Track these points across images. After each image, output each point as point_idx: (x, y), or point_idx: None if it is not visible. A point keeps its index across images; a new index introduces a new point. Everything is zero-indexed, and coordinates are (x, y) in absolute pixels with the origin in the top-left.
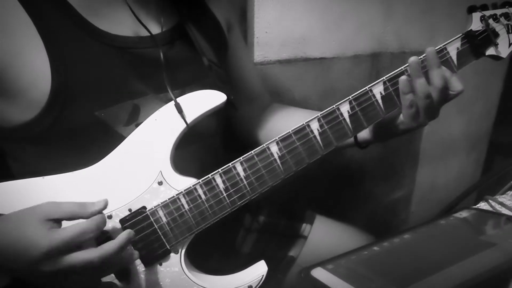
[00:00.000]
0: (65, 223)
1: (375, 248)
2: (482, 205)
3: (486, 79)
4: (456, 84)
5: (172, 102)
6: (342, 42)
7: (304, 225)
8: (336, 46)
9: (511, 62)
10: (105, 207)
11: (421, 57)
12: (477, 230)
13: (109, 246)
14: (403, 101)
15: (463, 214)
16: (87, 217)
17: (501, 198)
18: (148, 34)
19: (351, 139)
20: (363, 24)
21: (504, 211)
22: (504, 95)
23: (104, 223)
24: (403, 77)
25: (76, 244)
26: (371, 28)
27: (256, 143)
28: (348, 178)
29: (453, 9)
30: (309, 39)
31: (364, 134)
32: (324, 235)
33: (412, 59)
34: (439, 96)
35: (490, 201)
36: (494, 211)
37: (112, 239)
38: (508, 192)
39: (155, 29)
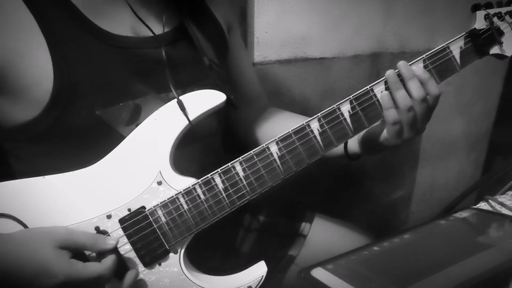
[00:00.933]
0: None
1: (375, 248)
2: (482, 205)
3: (486, 79)
4: (431, 88)
5: (174, 101)
6: (342, 42)
7: (303, 224)
8: (336, 46)
9: (511, 62)
10: (116, 246)
11: (397, 70)
12: (477, 230)
13: None
14: (386, 116)
15: (463, 214)
16: (96, 252)
17: (501, 198)
18: (150, 35)
19: (342, 150)
20: (363, 24)
21: (504, 211)
22: (504, 95)
23: (116, 264)
24: (385, 92)
25: (87, 285)
26: (371, 28)
27: (254, 144)
28: (348, 178)
29: (453, 9)
30: (309, 39)
31: (353, 147)
32: (323, 234)
33: (388, 72)
34: (421, 107)
35: (490, 201)
36: (494, 211)
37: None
38: (508, 192)
39: (157, 30)
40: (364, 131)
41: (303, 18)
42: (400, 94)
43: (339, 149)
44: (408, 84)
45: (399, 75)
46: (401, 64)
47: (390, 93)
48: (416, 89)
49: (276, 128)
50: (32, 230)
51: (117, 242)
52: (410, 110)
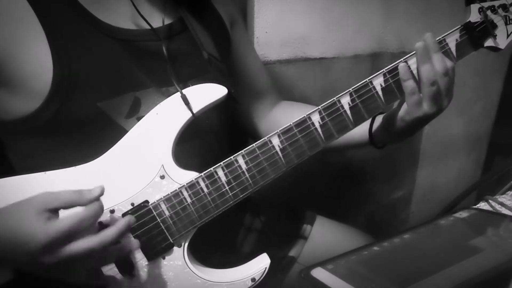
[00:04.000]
0: (62, 212)
1: (375, 248)
2: (482, 205)
3: (486, 79)
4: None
5: (175, 95)
6: (342, 42)
7: (304, 225)
8: (336, 46)
9: (511, 62)
10: (102, 193)
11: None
12: (477, 230)
13: (109, 231)
14: (405, 88)
15: (463, 214)
16: (84, 204)
17: (501, 198)
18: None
19: (366, 138)
20: (363, 24)
21: (504, 211)
22: (504, 95)
23: (102, 209)
24: (403, 64)
25: (74, 234)
26: (371, 28)
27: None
28: (348, 178)
29: (453, 9)
30: (309, 39)
31: (380, 134)
32: (324, 236)
33: (419, 44)
34: (444, 81)
35: (490, 201)
36: (494, 211)
37: None
38: (508, 192)
39: (157, 23)
40: (386, 114)
41: (303, 18)
42: (426, 68)
43: (364, 137)
44: (433, 57)
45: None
46: (429, 35)
47: (417, 67)
48: (440, 62)
49: (288, 121)
50: (17, 202)
51: (103, 189)
52: (433, 84)
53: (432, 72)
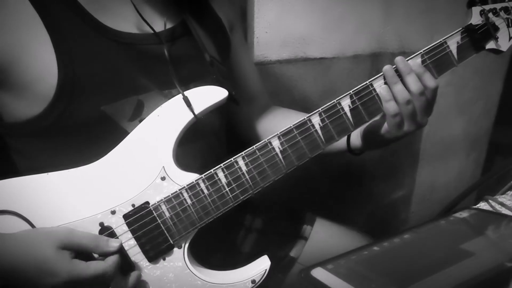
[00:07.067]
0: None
1: (375, 248)
2: (482, 205)
3: (486, 79)
4: (428, 82)
5: (177, 97)
6: (342, 42)
7: (304, 226)
8: (336, 46)
9: (511, 62)
10: (119, 248)
11: (394, 66)
12: (477, 230)
13: None
14: (386, 109)
15: (463, 214)
16: (99, 254)
17: (501, 198)
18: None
19: (345, 146)
20: (363, 24)
21: (504, 211)
22: (504, 95)
23: (119, 266)
24: (384, 86)
25: (91, 283)
26: (371, 28)
27: (256, 142)
28: (348, 178)
29: (453, 9)
30: (309, 39)
31: (356, 142)
32: (324, 236)
33: (385, 67)
34: (419, 101)
35: (490, 201)
36: (494, 211)
37: (115, 234)
38: (508, 192)
39: (160, 26)
40: (365, 125)
41: (303, 18)
42: (398, 88)
43: (342, 144)
44: (405, 79)
45: (396, 70)
46: (398, 59)
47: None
48: (413, 83)
49: (278, 125)
50: (35, 230)
51: (120, 244)
52: (408, 103)
53: (406, 92)
